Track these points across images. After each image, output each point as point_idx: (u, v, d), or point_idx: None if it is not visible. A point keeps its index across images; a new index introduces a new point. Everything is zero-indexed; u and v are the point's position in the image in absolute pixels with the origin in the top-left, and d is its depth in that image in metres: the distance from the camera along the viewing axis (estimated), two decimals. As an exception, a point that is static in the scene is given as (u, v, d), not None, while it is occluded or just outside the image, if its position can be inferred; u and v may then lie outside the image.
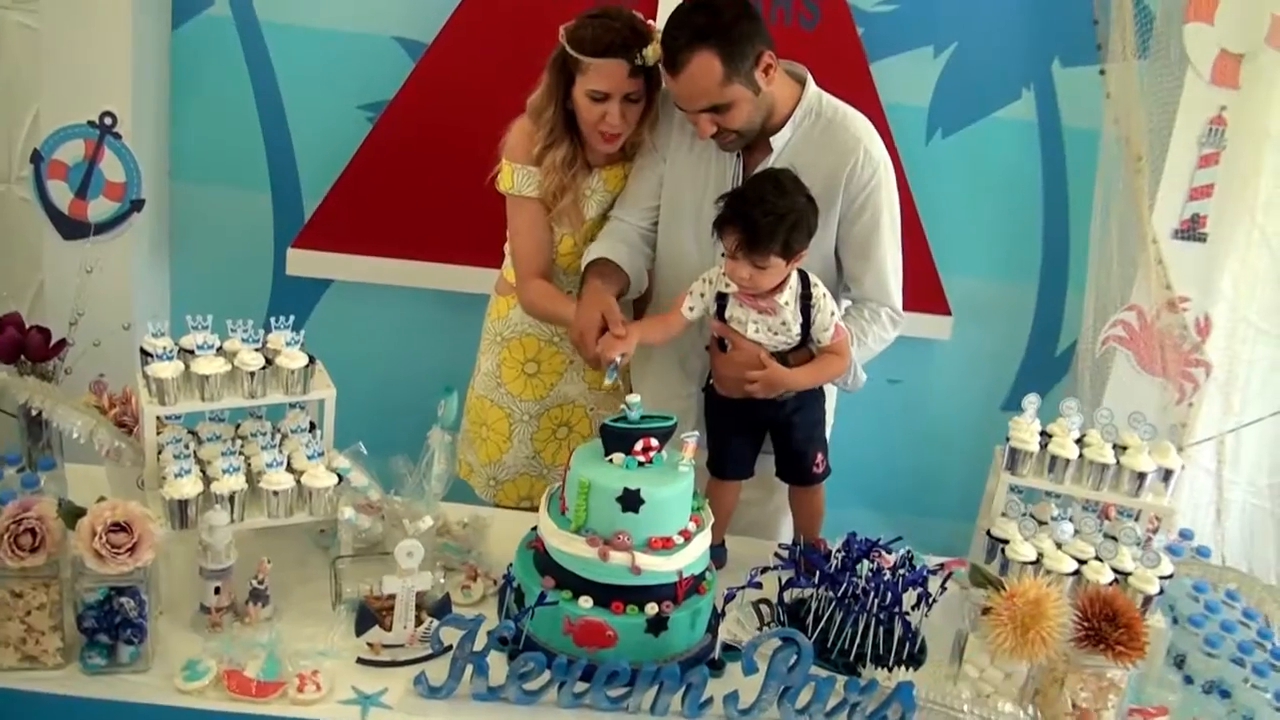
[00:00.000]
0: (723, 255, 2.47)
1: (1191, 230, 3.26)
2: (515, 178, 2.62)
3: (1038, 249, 3.71)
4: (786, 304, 2.33)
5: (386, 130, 3.45)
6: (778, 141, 2.48)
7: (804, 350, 2.42)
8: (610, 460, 2.11)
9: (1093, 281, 3.40)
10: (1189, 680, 2.22)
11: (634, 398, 2.13)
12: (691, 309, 2.43)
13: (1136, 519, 2.44)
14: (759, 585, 2.20)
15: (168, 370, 2.12)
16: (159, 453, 2.18)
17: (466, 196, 3.38)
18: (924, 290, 3.47)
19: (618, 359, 2.35)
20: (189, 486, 2.06)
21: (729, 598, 2.16)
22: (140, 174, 3.25)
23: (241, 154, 3.53)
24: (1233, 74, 3.09)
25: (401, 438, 3.17)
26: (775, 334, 2.36)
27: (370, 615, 2.02)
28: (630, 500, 2.03)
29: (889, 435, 3.75)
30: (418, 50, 3.42)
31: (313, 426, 2.35)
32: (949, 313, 3.64)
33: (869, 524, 3.79)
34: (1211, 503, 3.51)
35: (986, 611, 2.06)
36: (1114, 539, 2.31)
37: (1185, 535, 2.58)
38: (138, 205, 3.28)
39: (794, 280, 2.34)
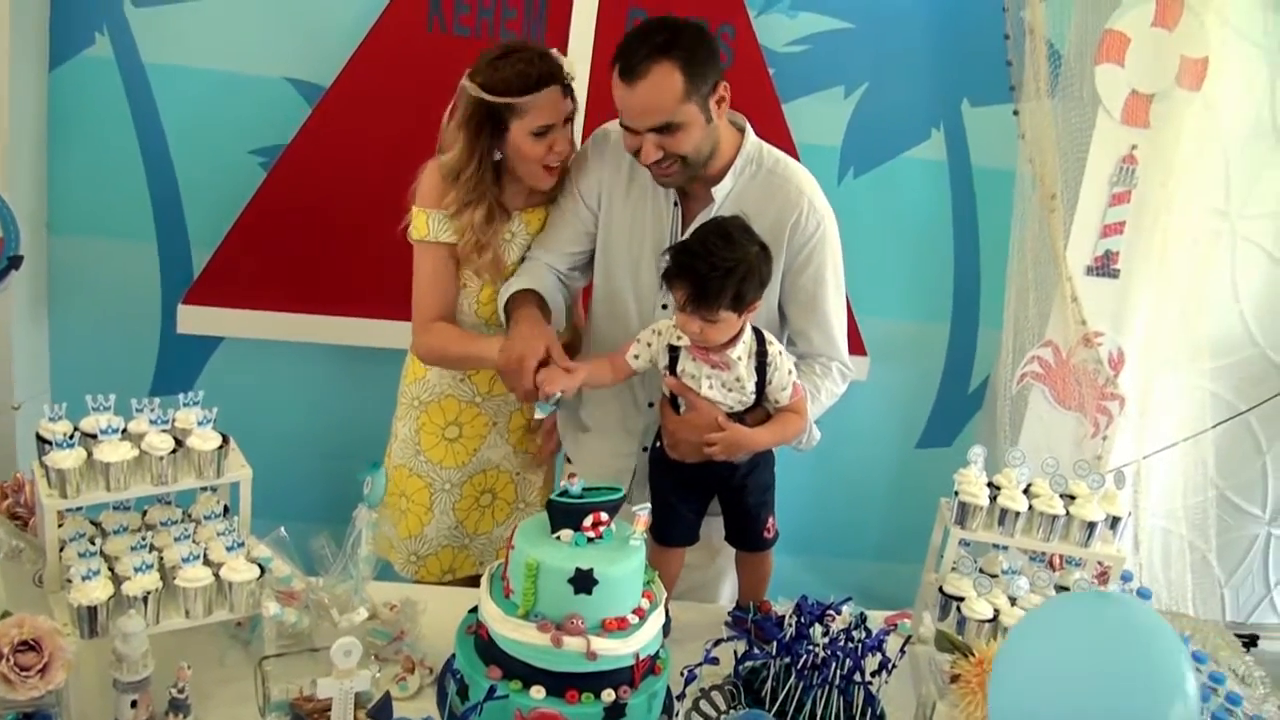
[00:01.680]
0: (664, 308, 2.40)
1: (1104, 266, 3.29)
2: (430, 224, 2.48)
3: (949, 288, 3.73)
4: (740, 359, 2.24)
5: (282, 177, 3.29)
6: (719, 192, 2.40)
7: (760, 410, 2.33)
8: (558, 537, 1.98)
9: (1010, 319, 3.41)
10: (1146, 732, 2.19)
11: (574, 485, 2.01)
12: (637, 357, 2.33)
13: (1081, 566, 2.42)
14: (715, 661, 2.09)
15: (69, 459, 1.92)
16: (61, 549, 1.97)
17: (370, 246, 3.27)
18: (841, 332, 3.47)
19: (558, 393, 2.23)
20: (99, 590, 1.86)
21: (689, 679, 2.05)
22: (18, 228, 3.00)
23: (124, 204, 3.33)
24: (1143, 113, 3.13)
25: (306, 508, 3.02)
26: (729, 390, 2.27)
27: (305, 722, 1.85)
28: (583, 581, 1.91)
29: (806, 478, 3.71)
30: (313, 93, 3.28)
31: (226, 510, 2.17)
32: (865, 353, 3.61)
33: (788, 568, 3.75)
34: (1129, 533, 3.54)
35: (955, 679, 2.00)
36: (1065, 589, 2.28)
37: (1126, 578, 2.56)
38: (15, 262, 3.02)
39: (748, 335, 2.25)
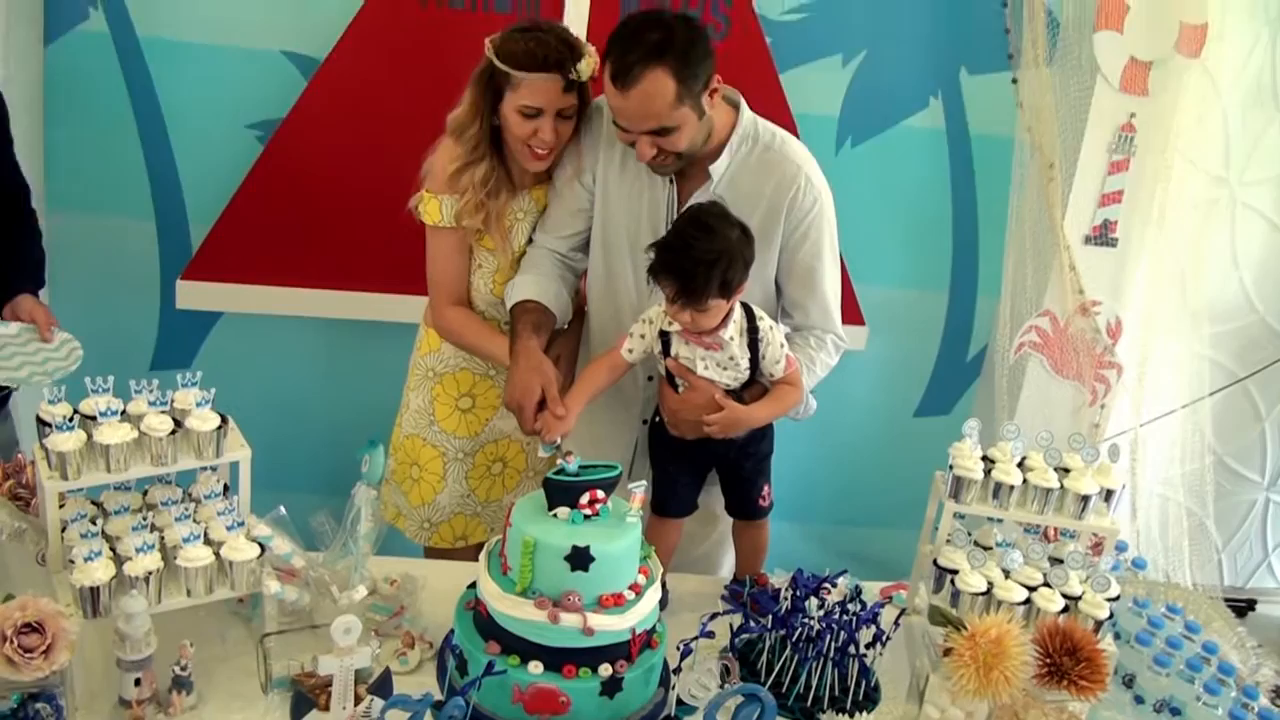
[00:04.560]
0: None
1: (1102, 235, 3.28)
2: (443, 209, 2.49)
3: (947, 256, 3.72)
4: (732, 339, 2.25)
5: (279, 151, 3.29)
6: (716, 170, 2.40)
7: (756, 385, 2.34)
8: (554, 515, 2.00)
9: (1008, 288, 3.40)
10: (1140, 700, 2.21)
11: (571, 463, 2.03)
12: (631, 351, 2.34)
13: (1075, 537, 2.44)
14: (711, 635, 2.12)
15: (69, 442, 1.93)
16: (63, 530, 2.00)
17: (368, 219, 3.27)
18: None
19: (559, 440, 2.26)
20: (101, 571, 1.88)
21: (685, 653, 2.07)
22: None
23: (122, 180, 3.34)
24: (1141, 81, 3.11)
25: (307, 482, 3.03)
26: (725, 369, 2.28)
27: (306, 699, 1.88)
28: (579, 558, 1.92)
29: (805, 446, 3.72)
30: (309, 66, 3.27)
31: (226, 489, 2.18)
32: (863, 322, 3.62)
33: (787, 536, 3.82)
34: (1126, 500, 3.56)
35: (948, 652, 2.02)
36: (1059, 561, 2.30)
37: (1120, 548, 2.58)
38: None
39: (738, 314, 2.26)
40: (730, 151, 2.40)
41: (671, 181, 2.43)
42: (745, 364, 2.29)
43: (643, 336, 2.32)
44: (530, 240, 2.58)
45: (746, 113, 2.43)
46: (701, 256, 2.12)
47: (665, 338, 2.30)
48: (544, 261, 2.54)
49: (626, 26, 2.25)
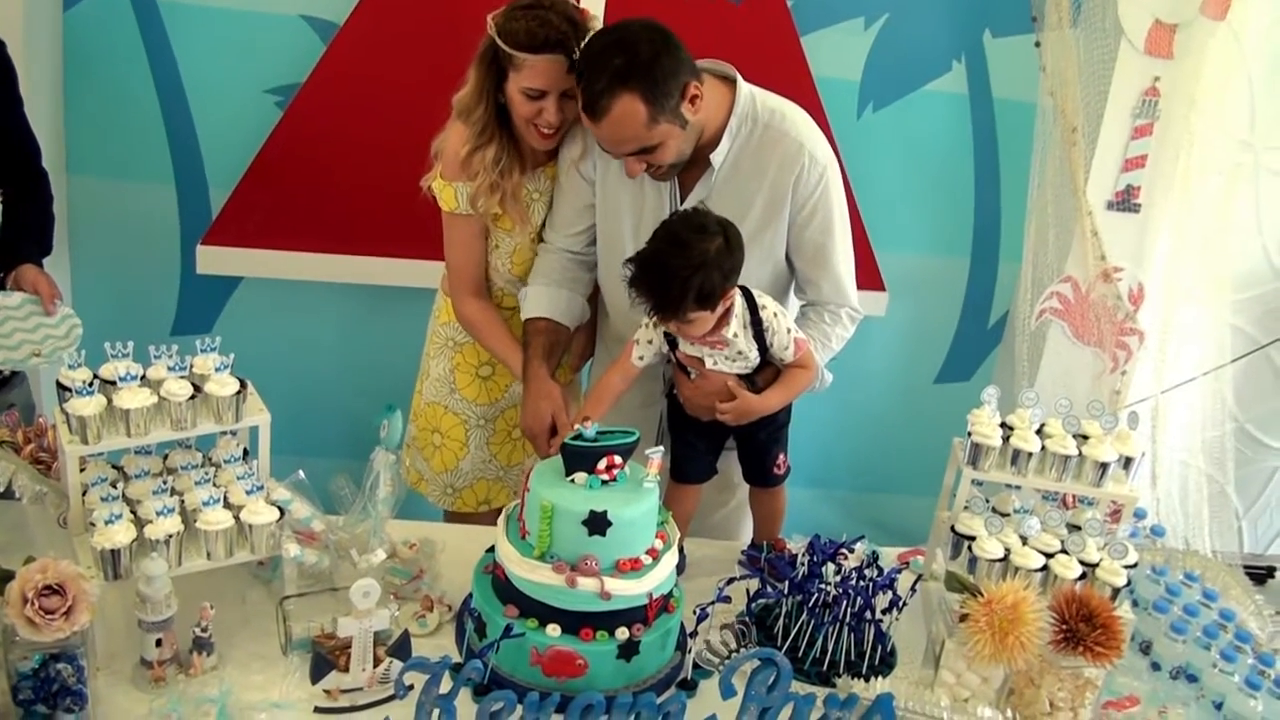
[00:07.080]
0: None
1: (1125, 201, 3.25)
2: (459, 197, 2.48)
3: (969, 222, 3.70)
4: (735, 335, 2.23)
5: (298, 116, 3.30)
6: (717, 157, 2.35)
7: (770, 367, 2.33)
8: (572, 480, 2.01)
9: (1029, 254, 3.38)
10: (1156, 666, 2.21)
11: (589, 428, 2.03)
12: (641, 358, 2.33)
13: (1093, 504, 2.43)
14: (728, 599, 2.12)
15: (89, 406, 1.94)
16: (84, 493, 2.02)
17: (387, 184, 3.28)
18: (859, 267, 3.42)
19: None
20: (121, 534, 1.90)
21: (701, 618, 2.08)
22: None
23: (142, 144, 3.34)
24: (1166, 44, 3.06)
25: (327, 445, 3.05)
26: (734, 361, 2.28)
27: (325, 660, 1.90)
28: (597, 523, 1.94)
29: (825, 412, 3.72)
30: (328, 30, 3.26)
31: (246, 453, 2.20)
32: (884, 289, 3.60)
33: (807, 501, 3.82)
34: (1146, 467, 3.55)
35: (964, 618, 2.02)
36: (1077, 528, 2.29)
37: (1139, 515, 2.57)
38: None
39: (739, 307, 2.23)
40: (730, 136, 2.34)
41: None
42: (754, 354, 2.28)
43: (650, 342, 2.31)
44: (542, 238, 2.58)
45: (743, 90, 2.36)
46: (676, 272, 2.09)
47: (672, 338, 2.29)
48: (554, 267, 2.54)
49: (590, 49, 2.21)
